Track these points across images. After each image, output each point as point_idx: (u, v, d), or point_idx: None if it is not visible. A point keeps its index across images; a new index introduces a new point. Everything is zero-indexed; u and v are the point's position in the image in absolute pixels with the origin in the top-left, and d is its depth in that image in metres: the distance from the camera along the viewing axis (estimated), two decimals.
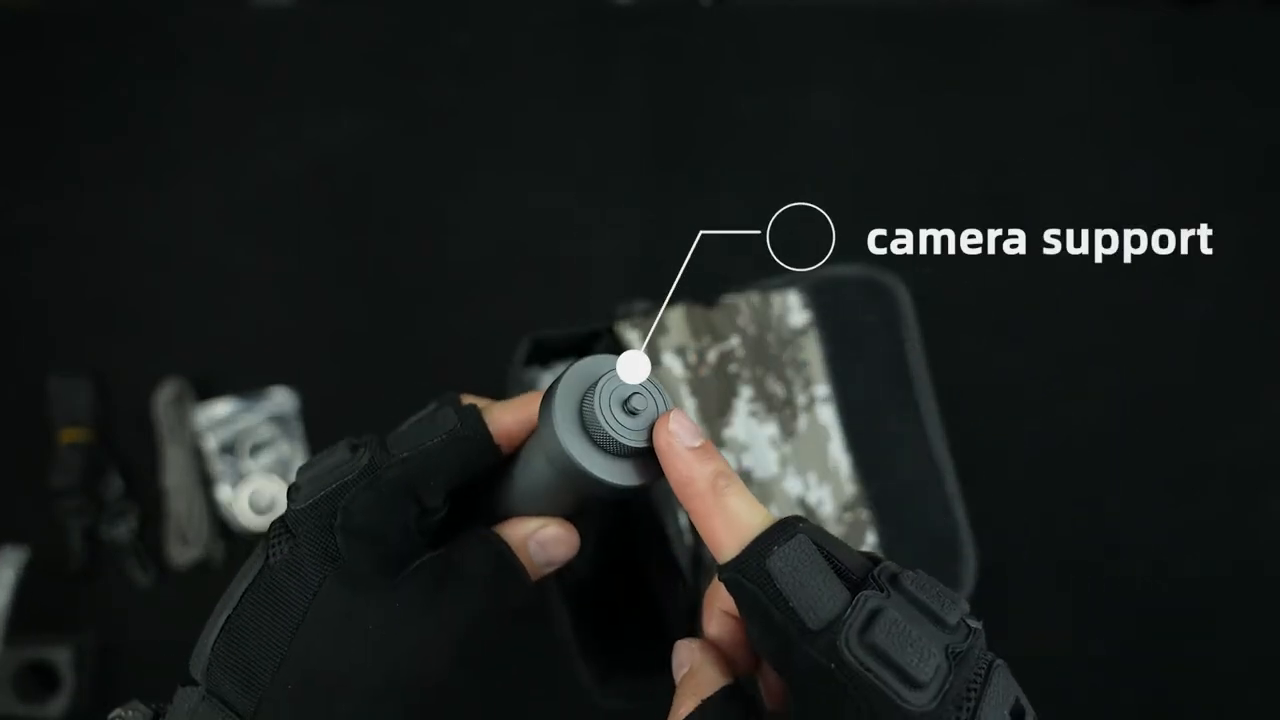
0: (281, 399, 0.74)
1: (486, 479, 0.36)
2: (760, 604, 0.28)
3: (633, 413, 0.31)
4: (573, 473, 0.31)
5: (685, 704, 0.30)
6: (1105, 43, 0.87)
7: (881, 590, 0.28)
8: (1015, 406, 0.77)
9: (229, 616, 0.31)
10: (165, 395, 0.72)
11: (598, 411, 0.30)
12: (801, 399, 0.57)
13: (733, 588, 0.29)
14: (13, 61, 0.81)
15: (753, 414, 0.56)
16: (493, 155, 0.82)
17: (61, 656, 0.67)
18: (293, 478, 0.34)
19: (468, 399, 0.36)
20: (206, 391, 0.74)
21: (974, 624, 0.28)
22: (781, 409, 0.57)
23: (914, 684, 0.26)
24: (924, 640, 0.26)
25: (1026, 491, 0.75)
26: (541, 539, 0.35)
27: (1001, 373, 0.78)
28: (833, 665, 0.26)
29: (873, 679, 0.26)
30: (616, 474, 0.31)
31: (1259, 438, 0.77)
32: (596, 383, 0.31)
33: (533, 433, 0.34)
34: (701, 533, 0.30)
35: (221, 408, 0.73)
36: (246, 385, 0.74)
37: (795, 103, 0.84)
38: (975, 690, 0.26)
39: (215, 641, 0.31)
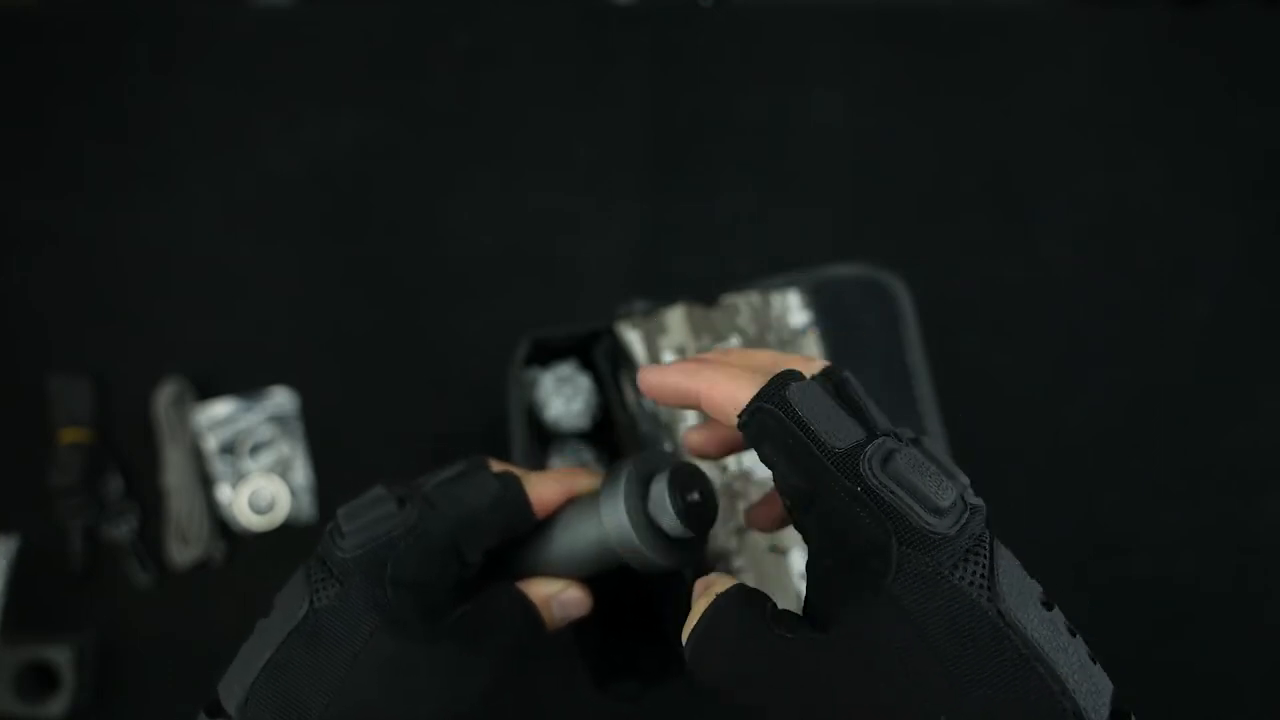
0: (281, 399, 0.74)
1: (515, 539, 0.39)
2: (784, 429, 0.29)
3: (691, 504, 0.36)
4: (630, 554, 0.35)
5: (700, 602, 0.32)
6: (1105, 43, 0.87)
7: (901, 441, 0.28)
8: (1015, 406, 0.77)
9: (272, 656, 0.31)
10: (165, 395, 0.72)
11: (667, 505, 0.35)
12: None
13: (756, 418, 0.30)
14: (13, 61, 0.81)
15: None
16: (493, 155, 0.82)
17: (61, 656, 0.67)
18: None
19: (497, 465, 0.38)
20: (206, 391, 0.74)
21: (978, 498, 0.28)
22: None
23: (935, 510, 0.26)
24: (942, 477, 0.27)
25: (1026, 491, 0.75)
26: (564, 600, 0.38)
27: (1001, 372, 0.78)
28: (858, 489, 0.27)
29: (896, 500, 0.26)
30: (670, 558, 0.36)
31: (1259, 438, 0.77)
32: (659, 478, 0.35)
33: (569, 503, 0.39)
34: (715, 403, 0.32)
35: (221, 408, 0.73)
36: (246, 385, 0.74)
37: (795, 103, 0.84)
38: (986, 545, 0.27)
39: (256, 679, 0.31)
